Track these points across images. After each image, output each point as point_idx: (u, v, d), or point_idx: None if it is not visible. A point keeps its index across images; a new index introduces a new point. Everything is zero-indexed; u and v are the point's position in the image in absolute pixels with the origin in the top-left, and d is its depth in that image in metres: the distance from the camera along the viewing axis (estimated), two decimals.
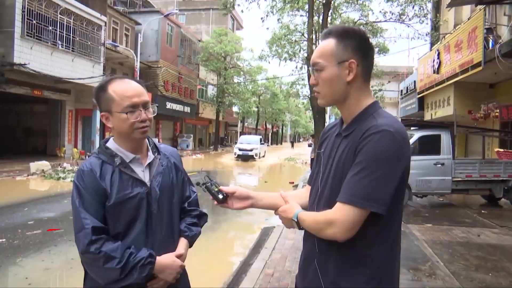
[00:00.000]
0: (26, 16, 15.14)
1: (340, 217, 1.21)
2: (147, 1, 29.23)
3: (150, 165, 1.62)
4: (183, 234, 1.68)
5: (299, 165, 23.64)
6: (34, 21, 15.54)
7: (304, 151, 38.45)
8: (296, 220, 1.34)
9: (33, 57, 15.53)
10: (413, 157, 8.83)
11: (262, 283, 4.05)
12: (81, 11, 18.10)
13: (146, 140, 1.66)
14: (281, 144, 72.69)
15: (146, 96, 1.57)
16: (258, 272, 4.35)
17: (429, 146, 8.89)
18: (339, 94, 1.33)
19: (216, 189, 1.49)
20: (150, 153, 1.64)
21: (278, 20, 17.04)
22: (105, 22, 20.12)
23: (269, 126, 62.67)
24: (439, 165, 8.77)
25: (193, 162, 22.29)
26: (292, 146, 59.11)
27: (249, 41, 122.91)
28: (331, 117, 29.77)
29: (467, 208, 9.17)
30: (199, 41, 32.49)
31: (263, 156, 28.31)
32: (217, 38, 31.35)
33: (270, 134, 67.69)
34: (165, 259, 1.53)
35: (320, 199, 1.35)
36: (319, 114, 13.43)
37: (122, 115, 1.50)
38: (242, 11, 20.87)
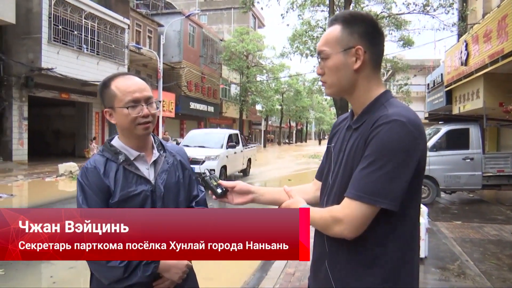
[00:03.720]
0: (52, 22, 15.61)
1: (347, 214, 1.13)
2: (169, 3, 29.55)
3: (155, 163, 1.60)
4: None
5: None
6: (60, 27, 15.99)
7: None
8: None
9: (60, 61, 15.98)
10: (440, 152, 8.61)
11: (283, 282, 3.98)
12: (104, 15, 18.49)
13: (151, 137, 1.65)
14: (306, 141, 72.20)
15: (149, 92, 1.55)
16: (279, 272, 4.29)
17: (458, 140, 8.59)
18: (346, 83, 1.25)
19: (215, 183, 1.42)
20: (155, 150, 1.62)
21: (298, 16, 16.89)
22: (128, 25, 20.49)
23: (293, 124, 62.35)
24: (468, 160, 8.45)
25: None
26: (319, 143, 58.73)
27: (271, 39, 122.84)
28: None
29: (499, 204, 8.80)
30: (221, 40, 32.62)
31: (245, 170, 14.49)
32: (239, 37, 31.40)
33: (294, 132, 67.36)
34: None
35: (330, 194, 1.29)
36: (341, 110, 13.22)
37: (124, 110, 1.49)
38: (262, 8, 20.80)
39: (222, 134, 12.83)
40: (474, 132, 8.58)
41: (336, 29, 1.25)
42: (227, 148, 11.99)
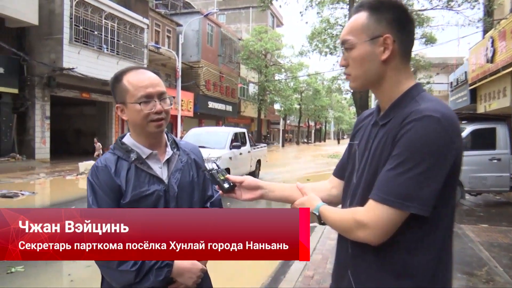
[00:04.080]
0: (73, 23, 15.87)
1: (372, 218, 1.03)
2: (187, 3, 29.71)
3: (168, 162, 1.55)
4: None
5: None
6: (81, 27, 16.24)
7: None
8: (317, 214, 1.18)
9: (81, 61, 16.24)
10: (465, 153, 8.29)
11: (302, 285, 3.87)
12: (124, 15, 18.69)
13: (165, 135, 1.59)
14: (325, 141, 71.60)
15: (162, 87, 1.50)
16: (297, 274, 4.18)
17: (483, 140, 8.26)
18: (373, 75, 1.14)
19: (222, 177, 1.36)
20: (168, 148, 1.57)
21: (317, 13, 16.67)
22: (148, 25, 20.66)
23: (311, 123, 61.94)
24: (495, 161, 8.12)
25: None
26: (338, 142, 58.38)
27: (290, 38, 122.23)
28: None
29: None
30: (239, 39, 32.62)
31: (253, 173, 12.80)
32: (257, 36, 31.33)
33: (313, 131, 66.91)
34: (184, 262, 1.42)
35: (355, 195, 1.18)
36: (362, 109, 12.97)
37: (136, 106, 1.44)
38: (280, 6, 20.59)
39: (225, 133, 11.45)
40: (501, 132, 8.25)
41: (362, 16, 1.14)
42: (230, 149, 10.73)
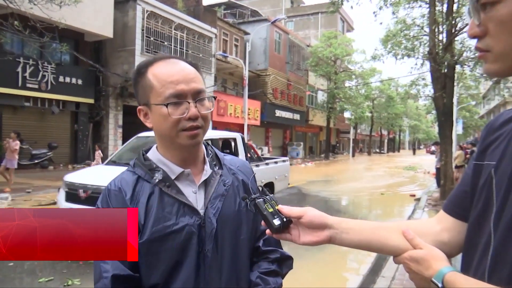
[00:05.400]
0: (144, 34, 16.41)
1: None
2: (255, 11, 29.79)
3: (206, 184, 1.17)
4: None
5: (420, 174, 21.16)
6: (152, 38, 16.74)
7: (427, 158, 34.96)
8: (440, 285, 0.78)
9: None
10: None
11: (397, 282, 3.20)
12: (193, 25, 19.02)
13: (203, 148, 1.22)
14: (399, 151, 67.89)
15: (199, 83, 1.13)
16: (393, 271, 3.53)
17: None
18: None
19: (270, 209, 0.96)
20: (207, 166, 1.19)
21: (393, 13, 15.39)
22: (216, 34, 20.87)
23: (384, 133, 59.07)
24: None
25: (302, 172, 21.55)
26: (414, 153, 55.11)
27: (361, 43, 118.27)
28: (458, 121, 26.32)
29: None
30: (308, 46, 31.96)
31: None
32: (326, 42, 30.45)
33: (386, 141, 63.83)
34: None
35: (498, 256, 0.75)
36: (445, 116, 11.49)
37: (162, 109, 1.08)
38: (351, 7, 19.48)
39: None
40: None
41: None
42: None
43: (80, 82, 15.39)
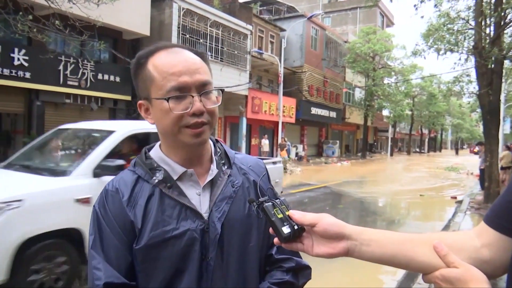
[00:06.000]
0: (180, 32, 16.56)
1: None
2: (292, 7, 29.41)
3: (212, 185, 1.08)
4: None
5: (462, 175, 20.14)
6: (187, 35, 16.87)
7: (470, 159, 33.31)
8: None
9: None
10: None
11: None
12: (229, 22, 19.01)
13: (210, 145, 1.13)
14: (440, 151, 65.24)
15: (205, 74, 1.03)
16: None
17: None
18: None
19: (279, 215, 0.85)
20: (213, 165, 1.10)
21: (435, 5, 14.64)
22: (251, 31, 20.76)
23: (425, 131, 56.91)
24: None
25: (337, 171, 21.09)
26: (457, 152, 52.79)
27: (401, 38, 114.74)
28: (505, 119, 24.84)
29: None
30: (345, 42, 31.23)
31: None
32: (365, 38, 29.61)
33: (426, 140, 61.52)
34: None
35: None
36: (491, 114, 10.78)
37: (163, 104, 0.99)
38: (391, 0, 18.60)
39: (102, 134, 4.57)
40: None
41: None
42: (97, 176, 4.04)
43: (118, 79, 15.74)
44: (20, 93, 12.40)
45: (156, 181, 1.03)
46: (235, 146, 21.17)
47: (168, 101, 0.97)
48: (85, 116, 15.35)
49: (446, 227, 7.82)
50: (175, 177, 1.04)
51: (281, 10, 28.35)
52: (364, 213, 9.76)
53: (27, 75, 12.02)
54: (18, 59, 11.71)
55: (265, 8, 28.28)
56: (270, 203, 0.88)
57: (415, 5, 13.37)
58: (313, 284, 1.12)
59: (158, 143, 1.12)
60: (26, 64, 11.93)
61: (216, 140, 1.18)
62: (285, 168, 17.87)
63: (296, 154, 25.47)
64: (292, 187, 13.16)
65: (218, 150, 1.15)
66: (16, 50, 11.66)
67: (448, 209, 10.29)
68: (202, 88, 1.00)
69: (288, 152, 21.37)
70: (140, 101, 1.06)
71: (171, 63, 1.00)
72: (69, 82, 13.63)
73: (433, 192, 13.75)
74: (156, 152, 1.09)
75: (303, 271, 1.16)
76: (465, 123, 63.98)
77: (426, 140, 61.91)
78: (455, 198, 11.70)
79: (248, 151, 22.95)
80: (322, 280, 4.34)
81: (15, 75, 11.68)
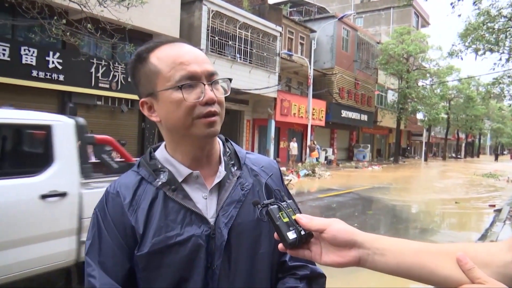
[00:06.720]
0: (209, 34, 16.61)
1: None
2: (322, 8, 29.01)
3: (219, 188, 1.01)
4: None
5: (502, 183, 19.09)
6: (217, 38, 16.92)
7: (511, 165, 31.66)
8: None
9: (216, 70, 16.90)
10: None
11: None
12: (258, 24, 18.93)
13: (218, 143, 1.07)
14: (478, 157, 62.55)
15: (211, 66, 0.99)
16: None
17: None
18: None
19: (285, 219, 0.80)
20: (221, 167, 1.03)
21: (474, 3, 13.95)
22: (281, 33, 20.60)
23: (462, 136, 54.74)
24: None
25: (367, 176, 20.51)
26: (496, 158, 50.20)
27: (437, 39, 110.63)
28: None
29: None
30: (378, 43, 30.46)
31: None
32: (398, 38, 28.73)
33: (463, 145, 59.19)
34: None
35: None
36: None
37: (174, 94, 0.92)
38: None
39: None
40: None
41: None
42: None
43: None
44: (53, 95, 12.76)
45: (160, 183, 0.98)
46: (263, 149, 21.04)
47: (181, 89, 0.92)
48: (116, 117, 15.66)
49: (483, 237, 7.33)
50: (180, 179, 0.99)
51: (312, 11, 27.98)
52: (395, 220, 9.35)
53: (61, 77, 12.35)
54: (53, 62, 12.04)
55: (295, 9, 28.02)
56: (275, 206, 0.83)
57: (451, 3, 12.77)
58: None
59: (164, 143, 1.06)
60: (60, 67, 12.26)
61: (226, 139, 1.12)
62: (314, 172, 17.54)
63: (326, 158, 25.01)
64: (320, 192, 12.86)
65: (228, 150, 1.09)
66: (51, 53, 12.00)
67: (485, 218, 9.71)
68: (211, 78, 0.96)
69: (318, 154, 21.03)
70: (142, 100, 0.99)
71: (178, 54, 0.96)
72: (100, 84, 13.91)
73: (470, 199, 13.06)
74: (161, 153, 1.03)
75: (318, 280, 1.10)
76: (505, 128, 61.00)
77: (463, 145, 59.63)
78: (494, 206, 11.05)
79: (277, 154, 22.74)
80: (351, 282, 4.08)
81: (50, 77, 12.02)
